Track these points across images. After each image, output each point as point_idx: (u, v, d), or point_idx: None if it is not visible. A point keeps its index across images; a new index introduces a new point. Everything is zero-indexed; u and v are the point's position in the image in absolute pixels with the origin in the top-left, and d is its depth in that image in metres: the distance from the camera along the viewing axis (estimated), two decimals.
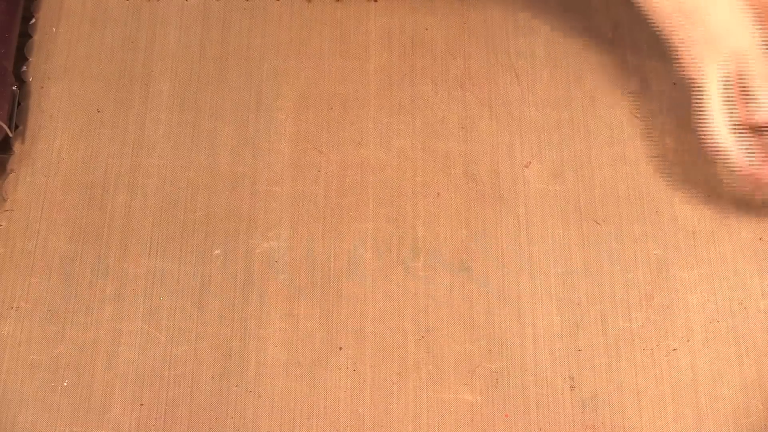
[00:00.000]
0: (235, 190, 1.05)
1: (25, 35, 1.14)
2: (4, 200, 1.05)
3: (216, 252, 1.01)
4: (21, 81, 1.11)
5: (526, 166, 1.05)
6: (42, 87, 1.11)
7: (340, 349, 0.98)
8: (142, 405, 0.95)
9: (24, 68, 1.12)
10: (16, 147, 1.08)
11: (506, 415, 0.94)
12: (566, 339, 0.98)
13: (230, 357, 0.97)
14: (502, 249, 1.01)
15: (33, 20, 1.15)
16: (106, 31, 1.14)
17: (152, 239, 1.03)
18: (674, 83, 1.09)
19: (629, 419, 0.94)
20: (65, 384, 0.97)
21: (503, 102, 1.08)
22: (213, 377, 0.96)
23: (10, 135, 1.07)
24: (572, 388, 0.95)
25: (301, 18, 1.14)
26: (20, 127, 1.09)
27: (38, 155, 1.07)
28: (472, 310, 0.99)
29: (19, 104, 1.10)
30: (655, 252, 1.01)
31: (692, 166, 1.04)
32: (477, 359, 0.97)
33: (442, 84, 1.09)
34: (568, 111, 1.08)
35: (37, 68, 1.12)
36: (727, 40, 0.94)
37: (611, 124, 1.07)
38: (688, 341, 0.97)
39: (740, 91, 0.94)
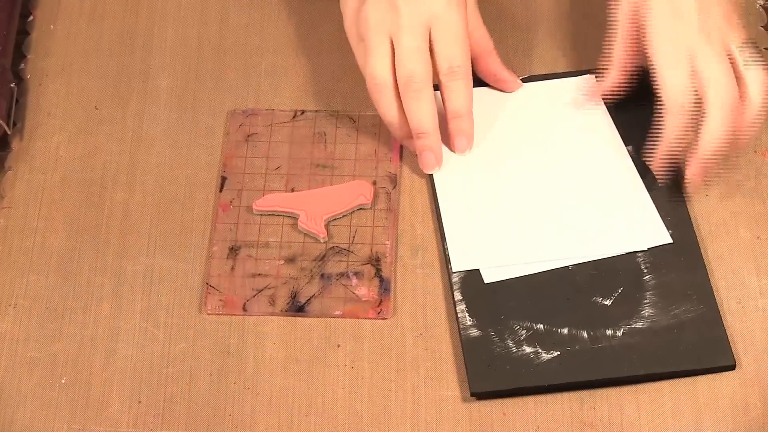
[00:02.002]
0: None
1: (23, 32, 1.14)
2: (2, 198, 1.05)
3: (214, 248, 1.01)
4: (19, 78, 1.11)
5: None
6: (40, 84, 1.11)
7: (338, 346, 0.97)
8: (140, 402, 0.95)
9: (22, 65, 1.12)
10: (14, 144, 1.08)
11: (504, 414, 0.94)
12: None
13: (228, 354, 0.97)
14: None
15: (31, 17, 1.15)
16: (104, 27, 1.14)
17: (150, 236, 1.03)
18: None
19: (627, 416, 0.94)
20: (63, 381, 0.96)
21: None
22: (211, 374, 0.96)
23: (8, 132, 1.07)
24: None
25: (300, 14, 1.14)
26: (18, 125, 1.09)
27: (36, 152, 1.07)
28: None
29: (17, 101, 1.10)
30: None
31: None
32: None
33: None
34: None
35: (35, 65, 1.12)
36: None
37: None
38: None
39: None
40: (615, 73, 1.05)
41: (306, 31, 1.13)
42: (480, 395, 0.95)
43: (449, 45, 1.01)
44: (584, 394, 0.94)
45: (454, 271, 0.99)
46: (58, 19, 1.15)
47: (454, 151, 1.04)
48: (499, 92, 1.09)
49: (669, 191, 1.02)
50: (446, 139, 1.04)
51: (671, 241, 0.99)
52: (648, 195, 1.02)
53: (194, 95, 1.10)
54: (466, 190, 1.03)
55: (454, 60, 1.01)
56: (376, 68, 1.01)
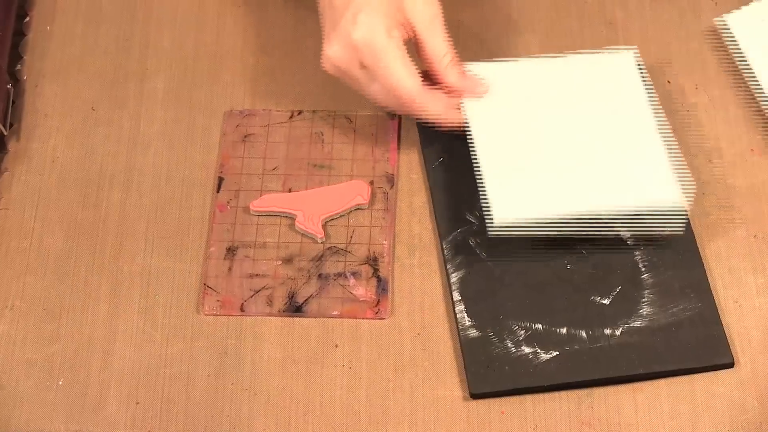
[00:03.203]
0: None
1: (20, 33, 1.14)
2: None
3: (211, 249, 1.01)
4: (15, 79, 1.11)
5: None
6: (36, 85, 1.11)
7: (336, 346, 0.97)
8: (137, 403, 0.95)
9: (18, 66, 1.12)
10: (11, 146, 1.08)
11: (502, 412, 0.94)
12: None
13: (226, 355, 0.97)
14: None
15: (27, 18, 1.15)
16: (100, 29, 1.14)
17: (147, 237, 1.03)
18: (668, 81, 1.09)
19: (625, 416, 0.94)
20: (60, 382, 0.96)
21: None
22: (209, 375, 0.96)
23: (5, 133, 1.07)
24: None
25: (296, 16, 1.14)
26: (15, 126, 1.09)
27: (33, 154, 1.07)
28: None
29: (13, 103, 1.10)
30: None
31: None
32: None
33: None
34: None
35: (31, 66, 1.12)
36: None
37: None
38: None
39: None
40: None
41: (303, 31, 1.13)
42: (479, 396, 0.95)
43: (382, 84, 0.99)
44: (582, 393, 0.95)
45: (495, 224, 0.96)
46: (55, 20, 1.15)
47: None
48: (533, 66, 1.06)
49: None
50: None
51: (684, 205, 0.97)
52: (667, 160, 0.98)
53: (190, 96, 1.10)
54: (501, 142, 1.01)
55: (391, 101, 1.00)
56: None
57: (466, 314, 0.97)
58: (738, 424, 0.93)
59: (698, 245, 1.00)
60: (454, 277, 0.99)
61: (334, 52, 0.99)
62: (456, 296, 0.98)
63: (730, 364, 0.95)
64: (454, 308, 0.98)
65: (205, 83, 1.11)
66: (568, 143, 1.01)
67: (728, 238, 1.01)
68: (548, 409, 0.94)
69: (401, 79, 0.98)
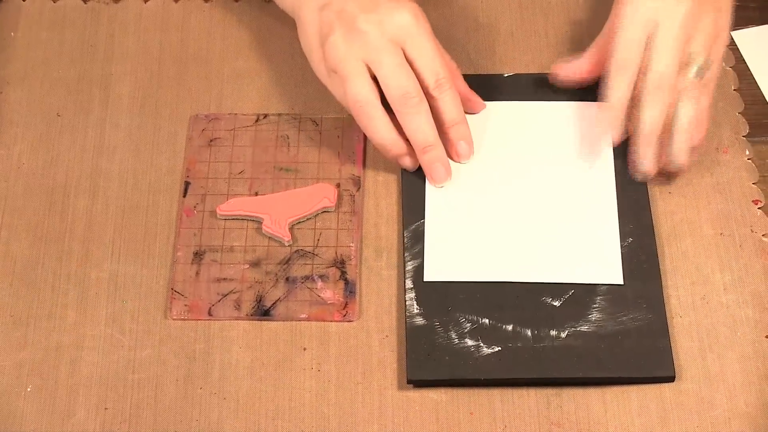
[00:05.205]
0: None
1: None
2: None
3: (178, 254, 1.01)
4: None
5: None
6: (1, 92, 1.11)
7: (304, 349, 0.97)
8: (106, 409, 0.95)
9: None
10: None
11: (471, 413, 0.94)
12: None
13: (194, 360, 0.97)
14: None
15: None
16: (65, 35, 1.14)
17: (114, 243, 1.02)
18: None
19: (594, 414, 0.94)
20: (29, 389, 0.96)
21: None
22: (177, 380, 0.96)
23: None
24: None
25: (261, 18, 1.14)
26: None
27: None
28: None
29: None
30: None
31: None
32: None
33: None
34: None
35: None
36: None
37: None
38: None
39: None
40: (583, 62, 1.06)
41: (267, 35, 1.13)
42: (417, 383, 0.95)
43: (428, 59, 1.00)
44: (551, 393, 0.95)
45: (425, 281, 0.99)
46: (19, 26, 1.15)
47: (457, 160, 1.04)
48: (502, 111, 1.08)
49: (633, 198, 1.02)
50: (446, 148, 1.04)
51: (622, 282, 0.99)
52: (618, 236, 1.01)
53: (156, 101, 1.10)
54: (452, 203, 1.03)
55: (438, 72, 1.00)
56: (360, 90, 0.99)
57: (415, 302, 0.98)
58: (707, 420, 0.94)
59: (666, 244, 1.00)
60: (410, 265, 0.99)
61: (374, 25, 0.99)
62: (408, 284, 0.99)
63: (671, 378, 0.95)
64: (405, 295, 0.98)
65: (170, 88, 1.10)
66: (519, 207, 1.03)
67: (695, 236, 1.02)
68: (517, 409, 0.94)
69: (440, 57, 1.01)
